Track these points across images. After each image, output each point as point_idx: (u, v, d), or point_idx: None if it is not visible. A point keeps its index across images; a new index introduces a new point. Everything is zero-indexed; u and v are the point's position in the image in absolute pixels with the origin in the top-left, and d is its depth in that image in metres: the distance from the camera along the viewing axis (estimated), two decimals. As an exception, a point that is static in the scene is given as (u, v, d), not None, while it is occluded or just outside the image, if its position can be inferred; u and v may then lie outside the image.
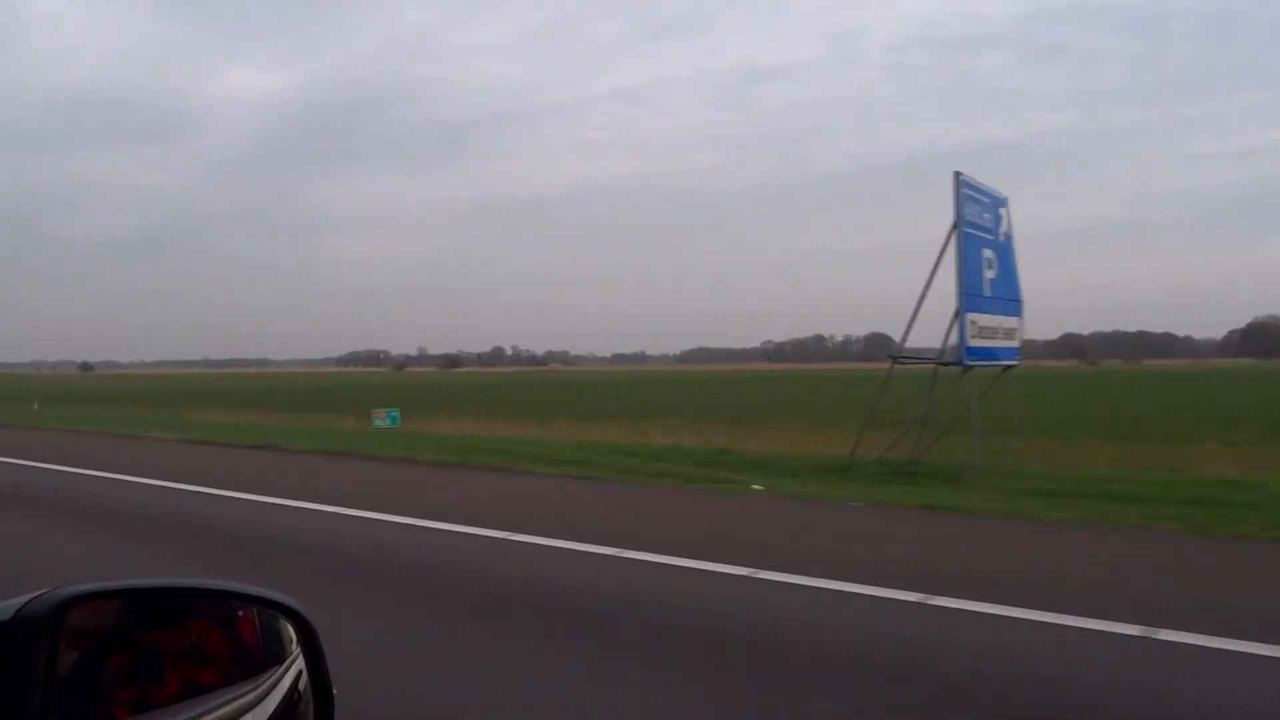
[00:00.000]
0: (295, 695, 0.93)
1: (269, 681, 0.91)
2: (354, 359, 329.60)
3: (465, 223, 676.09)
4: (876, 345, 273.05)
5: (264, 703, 0.89)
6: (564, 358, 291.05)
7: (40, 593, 0.77)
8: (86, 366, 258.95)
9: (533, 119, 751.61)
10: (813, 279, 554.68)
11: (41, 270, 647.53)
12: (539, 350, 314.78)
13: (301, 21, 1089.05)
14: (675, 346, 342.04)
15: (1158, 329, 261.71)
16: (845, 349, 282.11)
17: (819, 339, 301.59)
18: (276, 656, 0.93)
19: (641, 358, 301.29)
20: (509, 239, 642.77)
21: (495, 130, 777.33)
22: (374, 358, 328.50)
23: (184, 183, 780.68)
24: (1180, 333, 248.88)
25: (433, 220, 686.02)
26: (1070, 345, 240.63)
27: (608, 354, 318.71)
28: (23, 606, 0.75)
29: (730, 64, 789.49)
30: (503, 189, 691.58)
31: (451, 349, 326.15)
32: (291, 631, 0.95)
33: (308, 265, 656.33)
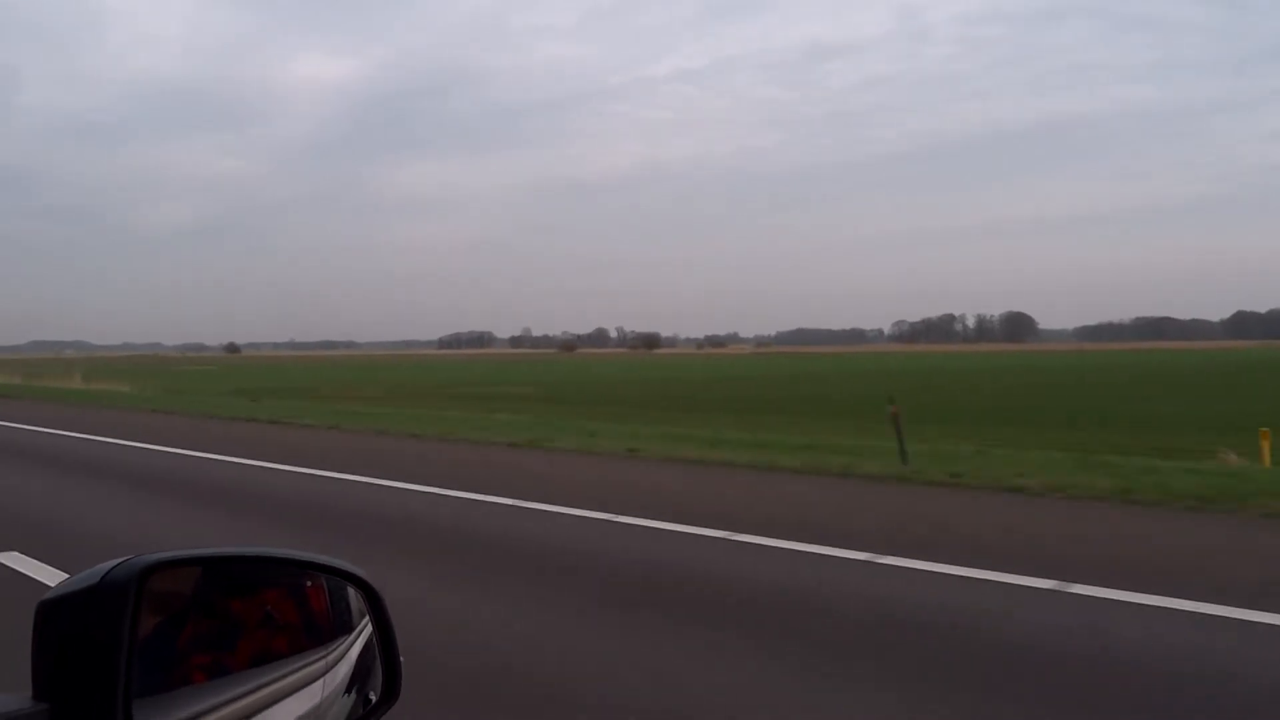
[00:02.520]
0: (365, 663, 0.97)
1: (339, 650, 0.94)
2: (456, 341, 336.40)
3: (534, 204, 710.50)
4: (1017, 325, 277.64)
5: (334, 670, 0.93)
6: (655, 340, 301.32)
7: (125, 559, 0.79)
8: (233, 348, 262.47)
9: (600, 100, 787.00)
10: (911, 258, 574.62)
11: (118, 257, 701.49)
12: (626, 332, 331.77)
13: (368, 8, 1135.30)
14: (769, 328, 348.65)
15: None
16: (982, 329, 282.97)
17: (949, 319, 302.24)
18: (346, 625, 0.96)
19: (735, 339, 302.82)
20: (582, 220, 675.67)
21: (565, 112, 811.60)
22: (478, 339, 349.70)
23: (257, 169, 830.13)
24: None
25: (502, 202, 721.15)
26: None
27: (699, 335, 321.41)
28: (108, 572, 0.78)
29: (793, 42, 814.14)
30: (573, 171, 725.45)
31: (553, 330, 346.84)
32: (361, 601, 0.98)
33: (382, 248, 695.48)
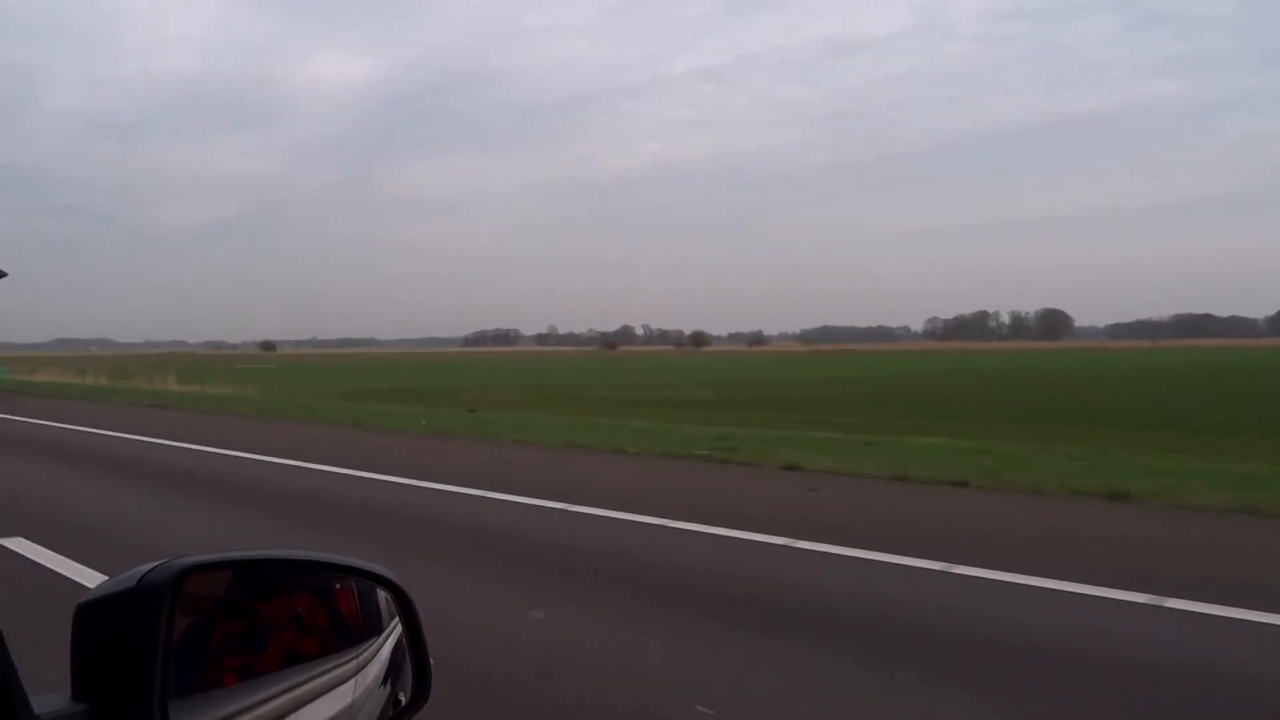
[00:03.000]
0: (395, 665, 0.98)
1: (369, 651, 0.95)
2: (481, 338, 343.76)
3: (551, 203, 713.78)
4: (1053, 322, 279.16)
5: (364, 671, 0.94)
6: (679, 337, 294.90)
7: (160, 562, 0.81)
8: (268, 345, 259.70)
9: (615, 98, 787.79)
10: (936, 255, 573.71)
11: (138, 255, 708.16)
12: (653, 329, 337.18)
13: (388, 7, 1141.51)
14: (794, 326, 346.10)
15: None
16: (1019, 326, 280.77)
17: (982, 315, 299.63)
18: (376, 627, 0.97)
19: (759, 338, 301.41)
20: (600, 219, 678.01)
21: (580, 111, 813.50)
22: (503, 337, 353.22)
23: (278, 168, 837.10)
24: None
25: (519, 201, 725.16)
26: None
27: (723, 333, 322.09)
28: (145, 575, 0.79)
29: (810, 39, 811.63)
30: (591, 170, 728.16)
31: (578, 328, 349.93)
32: (390, 604, 0.99)
33: (398, 246, 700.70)
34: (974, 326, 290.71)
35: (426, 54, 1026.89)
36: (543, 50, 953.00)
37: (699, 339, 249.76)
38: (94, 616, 0.80)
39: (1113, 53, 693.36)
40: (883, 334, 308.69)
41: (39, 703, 0.72)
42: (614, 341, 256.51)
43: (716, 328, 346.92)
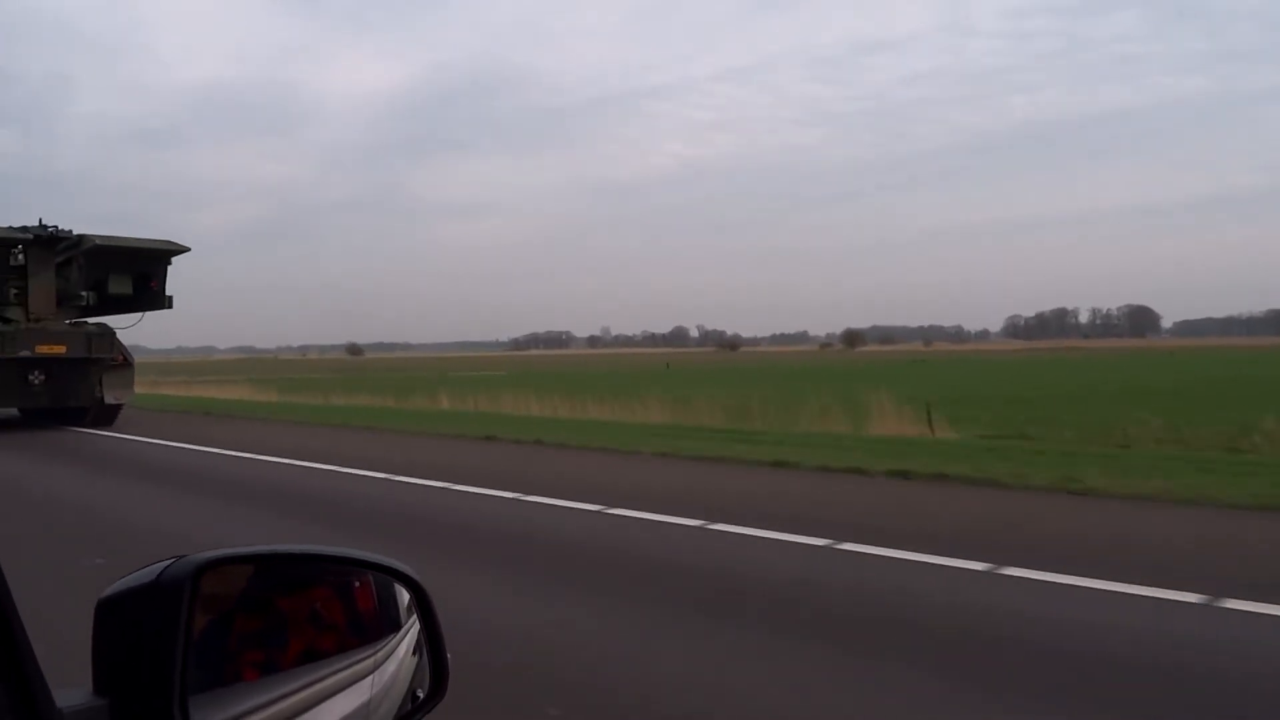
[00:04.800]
0: (414, 661, 1.01)
1: (387, 647, 0.98)
2: (533, 341, 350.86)
3: (587, 204, 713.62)
4: (1141, 319, 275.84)
5: (382, 667, 0.97)
6: (723, 338, 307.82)
7: (178, 557, 0.84)
8: (355, 350, 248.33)
9: (641, 99, 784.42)
10: (977, 254, 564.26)
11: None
12: (707, 329, 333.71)
13: (413, 12, 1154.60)
14: (837, 325, 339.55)
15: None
16: (1108, 324, 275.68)
17: (1061, 313, 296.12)
18: (394, 624, 1.00)
19: (804, 338, 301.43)
20: (631, 219, 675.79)
21: (607, 113, 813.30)
22: (556, 339, 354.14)
23: (304, 173, 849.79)
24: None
25: (552, 203, 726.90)
26: None
27: (766, 334, 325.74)
28: (165, 570, 0.83)
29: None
30: (624, 171, 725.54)
31: (632, 329, 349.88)
32: (408, 600, 1.02)
33: (429, 249, 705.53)
34: (1054, 325, 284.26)
35: (455, 57, 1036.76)
36: (570, 52, 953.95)
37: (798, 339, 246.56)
38: (114, 611, 0.82)
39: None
40: (933, 333, 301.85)
41: (61, 697, 0.74)
42: (737, 343, 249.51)
43: (758, 328, 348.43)
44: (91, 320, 17.68)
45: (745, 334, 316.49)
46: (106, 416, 17.13)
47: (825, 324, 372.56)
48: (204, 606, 0.85)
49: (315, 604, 0.97)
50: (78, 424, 17.01)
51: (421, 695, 1.00)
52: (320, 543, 1.00)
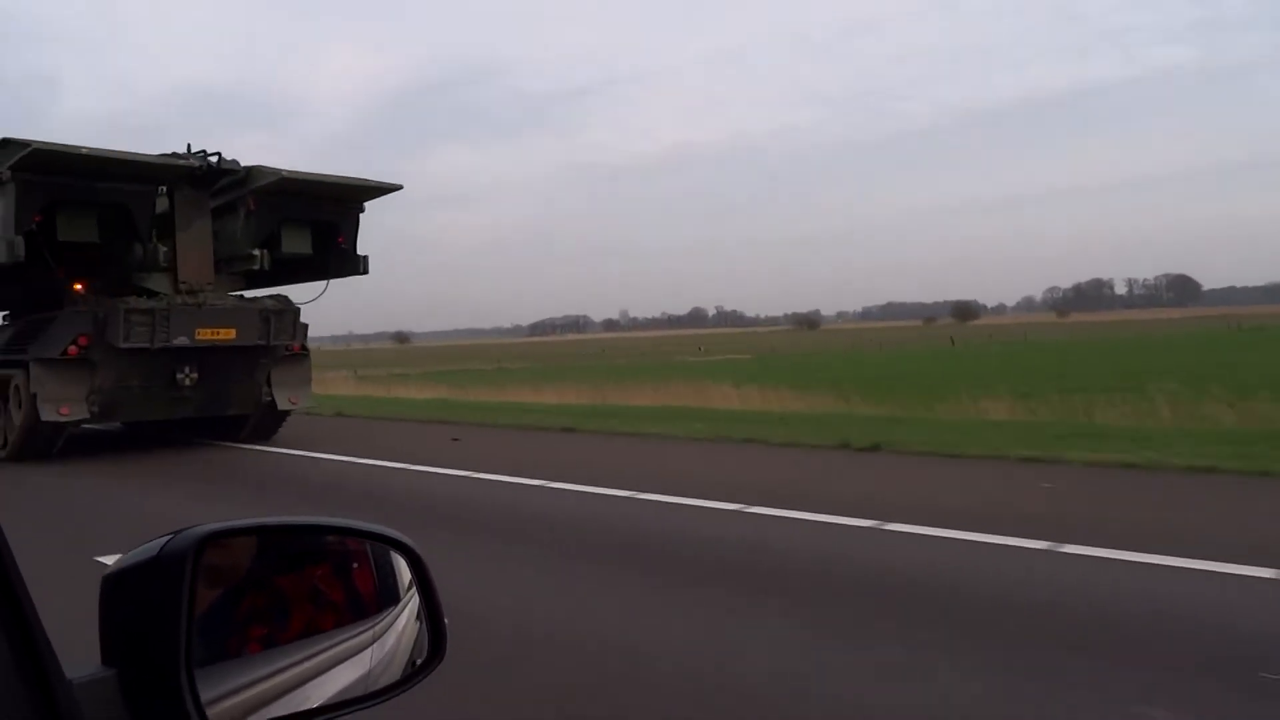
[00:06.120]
0: (413, 630, 1.04)
1: (386, 620, 1.02)
2: (549, 326, 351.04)
3: (585, 190, 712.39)
4: (1183, 288, 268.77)
5: (382, 640, 1.01)
6: (739, 319, 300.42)
7: (180, 530, 0.87)
8: (402, 338, 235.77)
9: (624, 83, 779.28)
10: (992, 229, 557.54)
11: None
12: (726, 310, 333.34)
13: (400, 4, 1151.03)
14: (854, 304, 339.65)
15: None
16: (1152, 293, 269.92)
17: (1097, 283, 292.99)
18: (393, 597, 1.04)
19: (818, 316, 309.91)
20: (633, 203, 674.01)
21: (593, 99, 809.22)
22: (574, 324, 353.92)
23: (293, 166, 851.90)
24: None
25: (549, 189, 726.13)
26: None
27: (779, 313, 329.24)
28: (167, 543, 0.86)
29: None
30: (618, 155, 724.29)
31: (651, 312, 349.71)
32: (406, 571, 1.05)
33: (423, 238, 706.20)
34: (1091, 296, 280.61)
35: (439, 49, 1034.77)
36: (555, 40, 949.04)
37: (811, 321, 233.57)
38: (119, 586, 0.86)
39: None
40: (951, 309, 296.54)
41: (69, 668, 0.78)
42: (816, 320, 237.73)
43: (772, 308, 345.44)
44: (264, 293, 12.78)
45: (753, 314, 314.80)
46: (268, 427, 12.74)
47: (837, 303, 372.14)
48: (209, 581, 0.88)
49: (316, 582, 1.00)
50: (227, 438, 12.61)
51: (420, 662, 1.03)
52: None
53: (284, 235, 12.15)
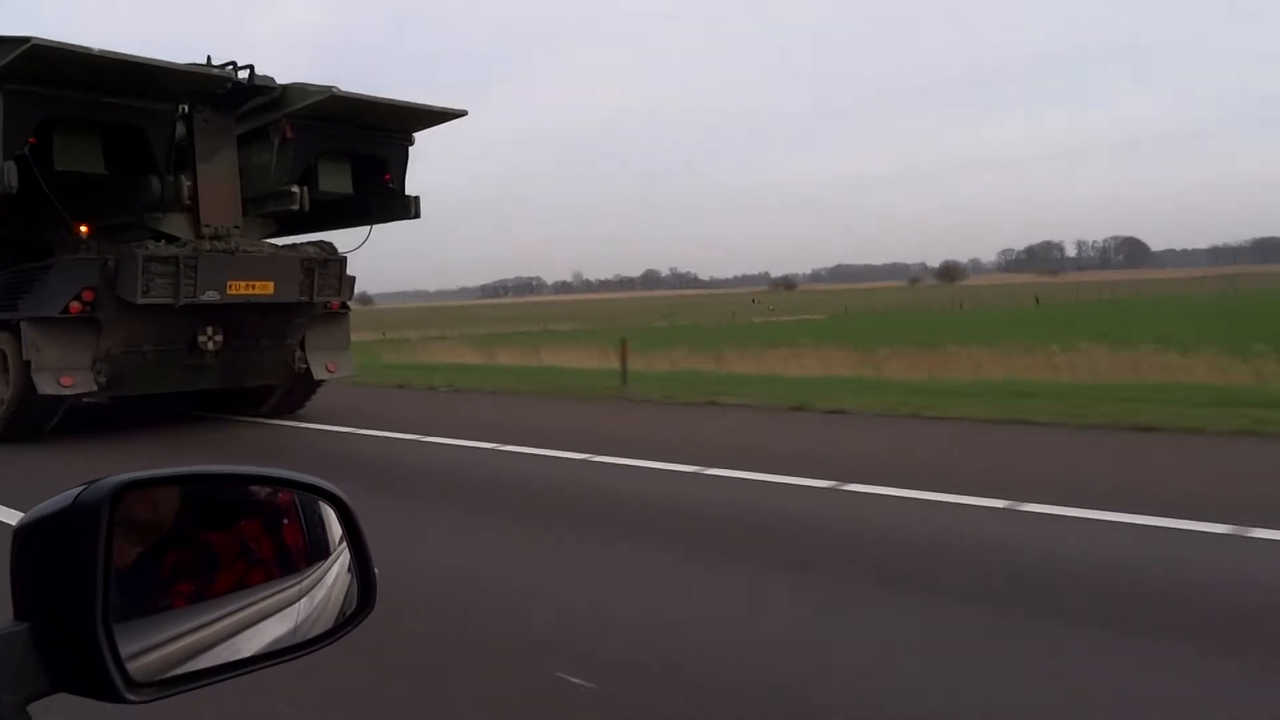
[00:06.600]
0: (345, 582, 1.04)
1: (316, 574, 1.02)
2: (502, 288, 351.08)
3: (524, 153, 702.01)
4: (1132, 251, 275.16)
5: (311, 594, 1.00)
6: (694, 281, 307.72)
7: (95, 480, 0.85)
8: (365, 300, 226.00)
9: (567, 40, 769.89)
10: (942, 191, 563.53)
11: None
12: (681, 272, 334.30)
13: None
14: (805, 266, 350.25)
15: None
16: (1102, 256, 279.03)
17: (1047, 245, 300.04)
18: (323, 551, 1.03)
19: (764, 279, 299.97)
20: (570, 167, 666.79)
21: (535, 60, 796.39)
22: (526, 286, 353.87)
23: None
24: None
25: (498, 150, 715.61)
26: None
27: (729, 275, 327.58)
28: (81, 493, 0.84)
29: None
30: (559, 119, 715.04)
31: (604, 274, 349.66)
32: (336, 525, 1.04)
33: None
34: (1042, 258, 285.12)
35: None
36: None
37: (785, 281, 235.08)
38: (31, 537, 0.84)
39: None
40: (899, 272, 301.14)
41: None
42: (790, 282, 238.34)
43: (724, 270, 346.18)
44: (302, 239, 10.77)
45: (707, 276, 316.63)
46: (296, 400, 11.10)
47: (785, 266, 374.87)
48: (134, 536, 0.86)
49: (244, 538, 0.99)
50: (246, 413, 11.05)
51: (350, 612, 1.03)
52: None
53: (320, 171, 10.16)
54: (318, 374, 10.57)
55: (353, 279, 10.46)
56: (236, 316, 9.61)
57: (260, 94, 9.61)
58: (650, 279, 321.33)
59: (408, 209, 10.90)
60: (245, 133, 9.98)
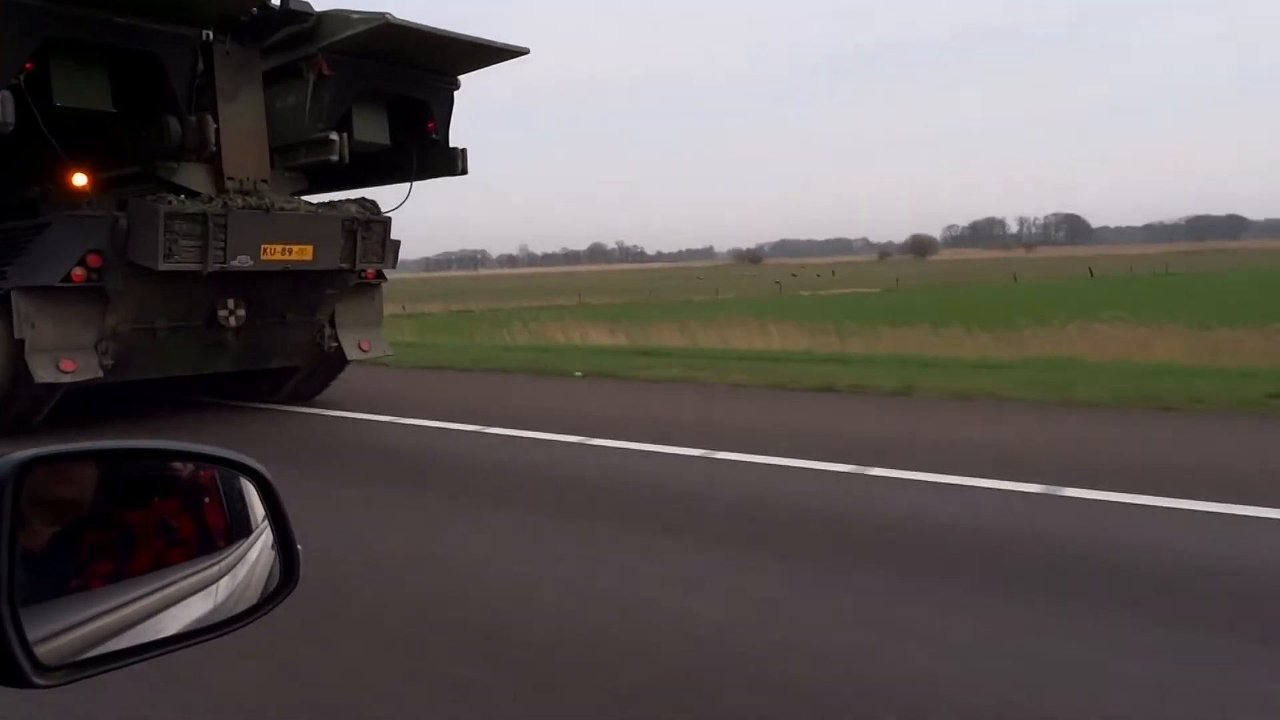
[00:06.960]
0: (268, 560, 1.03)
1: (237, 552, 1.00)
2: (446, 261, 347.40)
3: (478, 118, 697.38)
4: (1074, 227, 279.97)
5: (233, 572, 0.99)
6: (640, 255, 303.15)
7: (1, 455, 0.83)
8: None
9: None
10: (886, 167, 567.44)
11: None
12: (627, 246, 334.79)
13: None
14: (747, 241, 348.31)
15: None
16: (1044, 232, 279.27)
17: (990, 221, 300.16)
18: (245, 529, 1.02)
19: (710, 254, 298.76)
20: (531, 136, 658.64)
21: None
22: (470, 259, 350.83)
23: None
24: None
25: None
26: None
27: (676, 250, 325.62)
28: None
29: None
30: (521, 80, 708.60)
31: (551, 248, 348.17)
32: (257, 503, 1.02)
33: None
34: (985, 234, 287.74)
35: None
36: None
37: (755, 256, 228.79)
38: None
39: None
40: (840, 246, 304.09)
41: None
42: (756, 255, 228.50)
43: (667, 244, 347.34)
44: (341, 196, 9.23)
45: (653, 250, 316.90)
46: (318, 384, 9.63)
47: (729, 239, 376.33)
48: (47, 516, 0.84)
49: (165, 515, 0.97)
50: (253, 398, 9.60)
51: (272, 589, 1.02)
52: None
53: (355, 117, 8.58)
54: (350, 354, 9.12)
55: (397, 243, 9.04)
56: (263, 287, 8.15)
57: (293, 22, 8.05)
58: (597, 252, 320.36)
59: (453, 164, 9.37)
60: (270, 69, 8.41)
